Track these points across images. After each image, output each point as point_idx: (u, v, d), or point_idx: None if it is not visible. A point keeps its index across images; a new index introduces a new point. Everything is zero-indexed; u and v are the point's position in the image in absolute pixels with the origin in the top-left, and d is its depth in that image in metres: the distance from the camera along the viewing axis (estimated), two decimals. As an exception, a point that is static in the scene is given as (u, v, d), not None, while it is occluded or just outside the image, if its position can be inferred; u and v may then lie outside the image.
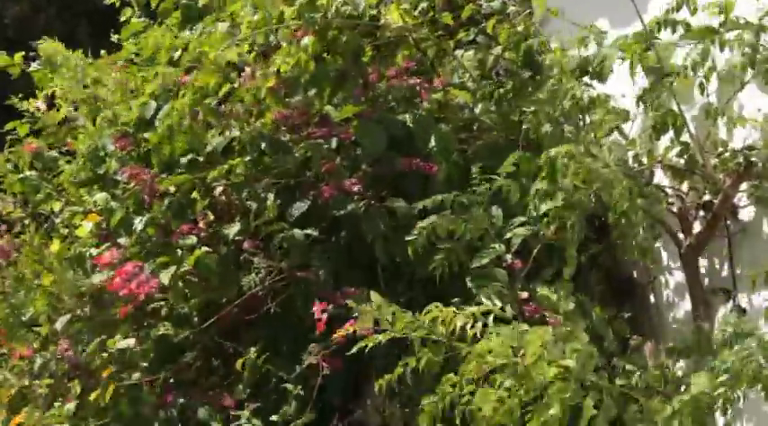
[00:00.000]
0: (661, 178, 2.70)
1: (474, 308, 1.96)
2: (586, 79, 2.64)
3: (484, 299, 2.01)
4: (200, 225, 2.81)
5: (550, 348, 1.83)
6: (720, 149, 2.53)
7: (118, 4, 3.63)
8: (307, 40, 2.68)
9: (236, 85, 2.86)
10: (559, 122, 2.61)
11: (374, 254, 2.57)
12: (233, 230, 2.71)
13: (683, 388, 1.98)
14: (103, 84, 3.10)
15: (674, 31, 2.38)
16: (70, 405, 2.97)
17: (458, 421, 1.93)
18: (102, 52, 3.50)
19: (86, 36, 3.77)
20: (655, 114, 2.46)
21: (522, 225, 2.45)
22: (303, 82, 2.80)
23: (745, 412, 2.34)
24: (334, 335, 2.17)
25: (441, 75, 2.92)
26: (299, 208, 2.64)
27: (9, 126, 3.75)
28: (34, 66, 3.33)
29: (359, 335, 2.06)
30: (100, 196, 3.00)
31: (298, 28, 2.76)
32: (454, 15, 3.06)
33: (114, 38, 3.62)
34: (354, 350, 2.05)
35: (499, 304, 2.02)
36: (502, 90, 2.79)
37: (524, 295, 2.42)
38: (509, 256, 2.46)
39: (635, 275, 2.88)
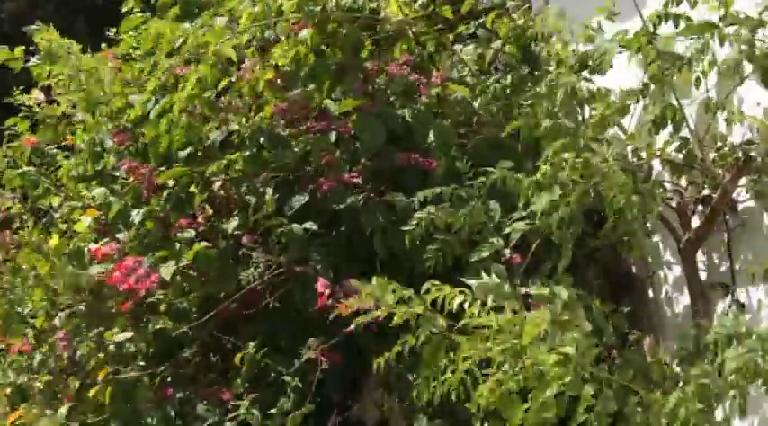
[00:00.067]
0: (660, 173, 2.70)
1: (473, 282, 1.96)
2: (586, 73, 2.64)
3: (484, 276, 2.00)
4: (199, 219, 2.81)
5: (550, 333, 1.83)
6: (719, 144, 2.53)
7: (117, -1, 3.63)
8: (305, 33, 2.68)
9: (233, 79, 2.85)
10: (558, 117, 2.61)
11: (373, 248, 2.57)
12: (232, 224, 2.71)
13: (680, 384, 1.98)
14: (100, 79, 3.09)
15: (676, 25, 2.37)
16: (62, 409, 2.97)
17: (454, 398, 1.93)
18: (103, 46, 3.49)
19: (84, 32, 3.76)
20: (654, 108, 2.46)
21: (521, 219, 2.45)
22: (302, 75, 2.79)
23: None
24: (340, 310, 2.15)
25: (440, 69, 2.91)
26: (299, 200, 2.63)
27: (9, 121, 3.75)
28: (33, 60, 3.31)
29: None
30: (98, 191, 3.00)
31: (297, 21, 2.75)
32: (454, 9, 3.05)
33: (112, 32, 3.61)
34: (353, 326, 2.03)
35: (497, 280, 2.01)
36: (499, 85, 2.78)
37: (524, 290, 2.42)
38: (507, 250, 2.45)
39: (634, 270, 2.88)
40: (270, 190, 2.63)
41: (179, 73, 2.86)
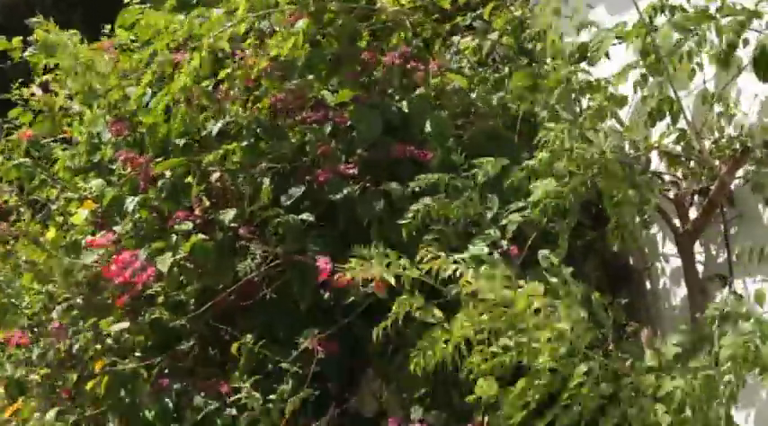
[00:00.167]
0: (657, 164, 2.70)
1: (466, 254, 1.97)
2: (584, 65, 2.64)
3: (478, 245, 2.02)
4: (196, 211, 2.80)
5: (544, 310, 1.84)
6: (717, 135, 2.52)
7: (114, -7, 3.62)
8: (301, 23, 2.67)
9: (230, 71, 2.85)
10: (555, 109, 2.61)
11: (370, 239, 2.57)
12: (228, 216, 2.70)
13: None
14: (97, 70, 3.08)
15: (672, 15, 2.37)
16: (51, 412, 2.97)
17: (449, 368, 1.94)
18: (103, 38, 3.48)
19: (82, 24, 3.75)
20: (651, 100, 2.46)
21: (518, 210, 2.45)
22: (298, 66, 2.79)
23: (741, 399, 2.34)
24: (336, 278, 2.16)
25: (436, 59, 2.91)
26: (295, 192, 2.63)
27: (12, 113, 3.74)
28: (30, 50, 3.31)
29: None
30: (95, 182, 2.99)
31: (293, 12, 2.75)
32: (451, 0, 3.05)
33: (109, 26, 3.61)
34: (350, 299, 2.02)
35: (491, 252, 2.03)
36: (497, 75, 2.78)
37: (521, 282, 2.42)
38: (504, 242, 2.45)
39: (631, 262, 2.88)
40: (267, 181, 2.63)
41: (177, 59, 2.85)
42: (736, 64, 2.38)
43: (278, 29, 2.78)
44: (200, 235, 2.68)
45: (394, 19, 2.84)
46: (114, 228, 2.93)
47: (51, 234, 3.15)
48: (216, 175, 2.79)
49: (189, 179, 2.85)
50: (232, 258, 2.73)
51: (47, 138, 3.56)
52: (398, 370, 2.57)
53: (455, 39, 3.08)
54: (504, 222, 2.44)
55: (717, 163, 2.48)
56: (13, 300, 3.17)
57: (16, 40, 3.36)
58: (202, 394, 2.78)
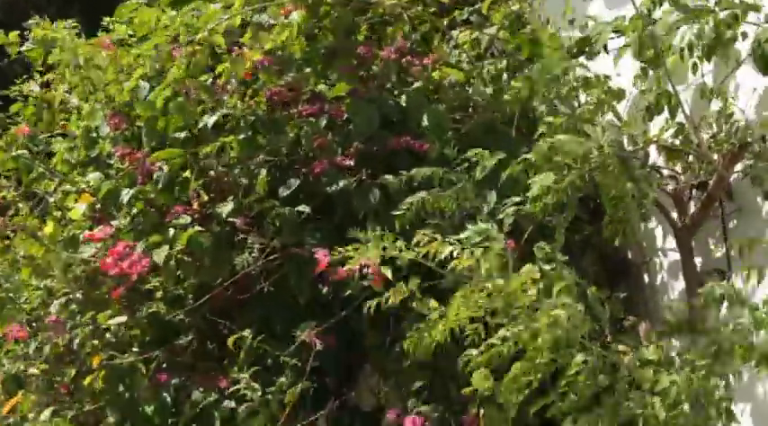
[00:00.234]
0: (656, 158, 2.69)
1: (463, 235, 1.98)
2: (582, 59, 2.63)
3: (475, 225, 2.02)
4: (194, 205, 2.80)
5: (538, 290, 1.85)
6: (715, 129, 2.52)
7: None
8: (296, 15, 2.67)
9: (227, 64, 2.85)
10: (553, 103, 2.61)
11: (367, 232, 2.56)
12: (226, 208, 2.70)
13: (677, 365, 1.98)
14: (96, 65, 3.08)
15: (673, 5, 2.36)
16: (46, 412, 2.98)
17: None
18: (100, 33, 3.48)
19: (79, 20, 3.75)
20: (649, 94, 2.46)
21: (515, 204, 2.45)
22: (294, 58, 2.79)
23: (738, 394, 2.34)
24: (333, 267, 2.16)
25: (434, 52, 2.91)
26: (290, 185, 2.63)
27: (13, 108, 3.74)
28: (27, 45, 3.31)
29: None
30: (93, 175, 2.99)
31: (289, 5, 2.74)
32: (449, -7, 3.05)
33: (106, 20, 3.61)
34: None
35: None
36: (494, 68, 2.78)
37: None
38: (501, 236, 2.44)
39: (630, 256, 2.88)
40: (264, 172, 2.63)
41: (174, 54, 2.85)
42: (735, 57, 2.38)
43: (273, 22, 2.77)
44: (197, 228, 2.68)
45: (391, 12, 2.84)
46: (112, 223, 2.93)
47: (49, 228, 3.15)
48: (214, 170, 2.79)
49: (186, 174, 2.84)
50: (230, 251, 2.73)
51: (45, 134, 3.56)
52: (395, 363, 2.57)
53: (454, 33, 3.07)
54: (500, 216, 2.43)
55: (715, 157, 2.48)
56: (11, 295, 3.17)
57: (13, 35, 3.36)
58: (201, 389, 2.77)
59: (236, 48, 2.87)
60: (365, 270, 2.29)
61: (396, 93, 2.85)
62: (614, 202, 2.26)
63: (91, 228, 3.06)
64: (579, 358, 1.81)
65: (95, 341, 2.93)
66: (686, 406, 1.82)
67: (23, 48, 3.34)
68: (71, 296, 3.04)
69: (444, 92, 2.86)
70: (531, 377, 1.88)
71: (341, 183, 2.61)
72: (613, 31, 2.48)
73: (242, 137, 2.74)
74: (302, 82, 2.80)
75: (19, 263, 3.23)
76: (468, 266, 1.97)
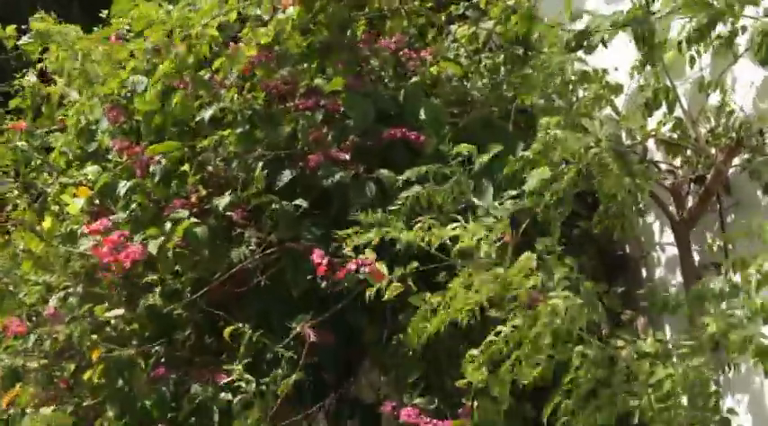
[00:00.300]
0: (654, 152, 2.69)
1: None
2: (580, 53, 2.63)
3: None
4: (193, 199, 2.81)
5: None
6: (713, 123, 2.52)
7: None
8: (291, 10, 2.67)
9: (224, 59, 2.85)
10: (551, 97, 2.61)
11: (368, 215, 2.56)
12: (223, 202, 2.71)
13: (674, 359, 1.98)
14: (93, 59, 3.08)
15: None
16: (46, 410, 2.98)
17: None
18: (95, 29, 3.48)
19: (79, 17, 3.75)
20: (647, 89, 2.46)
21: (512, 198, 2.45)
22: (289, 53, 2.79)
23: (735, 386, 2.34)
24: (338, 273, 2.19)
25: (431, 46, 2.91)
26: (284, 177, 2.64)
27: (13, 103, 3.75)
28: (25, 39, 3.31)
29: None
30: (91, 169, 3.00)
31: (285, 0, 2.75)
32: (447, -12, 3.05)
33: (104, 14, 3.61)
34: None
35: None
36: (492, 62, 2.77)
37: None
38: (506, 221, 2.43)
39: (628, 250, 2.88)
40: (260, 165, 2.63)
41: (170, 48, 2.86)
42: (733, 51, 2.38)
43: (266, 16, 2.78)
44: (192, 219, 2.69)
45: (388, 7, 2.84)
46: (110, 217, 2.94)
47: (47, 223, 3.15)
48: (212, 164, 2.79)
49: (185, 167, 2.85)
50: (227, 245, 2.73)
51: (44, 129, 3.56)
52: (393, 357, 2.57)
53: (452, 27, 3.07)
54: (498, 210, 2.43)
55: (713, 151, 2.48)
56: (11, 288, 3.17)
57: (10, 28, 3.36)
58: (199, 383, 2.78)
59: (231, 43, 2.87)
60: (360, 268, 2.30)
61: (393, 87, 2.85)
62: (610, 197, 2.26)
63: (89, 223, 3.06)
64: (579, 350, 1.81)
65: (95, 336, 2.93)
66: (683, 399, 1.83)
67: (21, 42, 3.34)
68: (70, 290, 3.04)
69: (442, 86, 2.86)
70: (527, 370, 1.88)
71: (337, 177, 2.61)
72: (611, 25, 2.47)
73: (239, 131, 2.75)
74: (298, 76, 2.80)
75: (19, 257, 3.24)
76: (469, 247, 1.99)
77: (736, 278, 2.39)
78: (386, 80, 2.89)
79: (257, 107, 2.77)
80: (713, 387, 1.81)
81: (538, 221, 2.37)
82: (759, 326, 1.74)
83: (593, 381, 1.88)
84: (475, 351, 1.91)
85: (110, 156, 3.13)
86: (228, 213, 2.72)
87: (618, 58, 2.57)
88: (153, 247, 2.61)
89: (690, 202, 2.56)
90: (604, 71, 2.59)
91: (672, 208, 2.58)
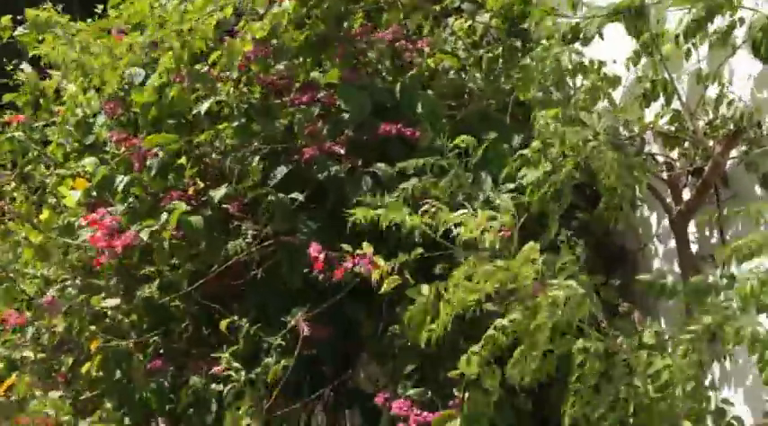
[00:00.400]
0: (651, 145, 2.69)
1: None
2: (577, 45, 2.62)
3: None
4: (190, 192, 2.81)
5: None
6: (711, 115, 2.52)
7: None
8: (287, 3, 2.67)
9: (221, 52, 2.85)
10: (549, 90, 2.60)
11: (359, 220, 2.57)
12: (219, 194, 2.71)
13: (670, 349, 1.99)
14: (93, 52, 3.08)
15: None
16: (54, 394, 2.99)
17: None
18: (89, 21, 3.48)
19: (79, 12, 3.75)
20: (645, 81, 2.46)
21: (510, 192, 2.45)
22: (285, 47, 2.79)
23: (733, 379, 2.34)
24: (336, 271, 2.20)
25: (428, 39, 2.90)
26: (278, 173, 2.64)
27: (6, 97, 3.74)
28: (20, 30, 3.30)
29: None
30: (88, 160, 3.00)
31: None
32: (445, -19, 3.03)
33: (101, 8, 3.61)
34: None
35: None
36: (490, 54, 2.77)
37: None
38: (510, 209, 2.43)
39: (626, 243, 2.88)
40: (256, 159, 2.63)
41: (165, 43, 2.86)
42: (731, 43, 2.37)
43: (262, 10, 2.78)
44: (185, 207, 2.69)
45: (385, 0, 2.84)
46: (108, 210, 2.94)
47: (45, 215, 3.15)
48: (209, 157, 2.79)
49: (182, 160, 2.85)
50: (223, 237, 2.73)
51: (41, 122, 3.56)
52: (389, 348, 2.58)
53: (450, 20, 3.06)
54: (496, 202, 2.43)
55: (711, 143, 2.48)
56: (11, 275, 3.18)
57: (6, 19, 3.35)
58: (196, 374, 2.79)
59: (227, 38, 2.87)
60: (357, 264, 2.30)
61: (389, 79, 2.84)
62: (610, 190, 2.26)
63: (87, 215, 3.06)
64: (579, 344, 1.81)
65: (93, 327, 2.94)
66: (678, 390, 1.83)
67: (17, 33, 3.33)
68: (68, 283, 3.05)
69: (439, 79, 2.85)
70: (528, 365, 1.88)
71: (332, 171, 2.61)
72: (606, 15, 2.47)
73: (235, 124, 2.75)
74: (294, 70, 2.80)
75: (19, 249, 3.24)
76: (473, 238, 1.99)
77: (733, 268, 2.42)
78: (383, 73, 2.88)
79: (253, 101, 2.77)
80: (708, 378, 1.81)
81: (536, 213, 2.37)
82: (754, 316, 1.74)
83: (596, 375, 1.88)
84: (476, 347, 1.90)
85: (107, 148, 3.13)
86: (225, 205, 2.72)
87: (615, 50, 2.56)
88: (145, 234, 2.62)
89: (687, 194, 2.56)
90: (601, 63, 2.59)
91: (669, 201, 2.58)
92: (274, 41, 2.79)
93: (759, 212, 1.98)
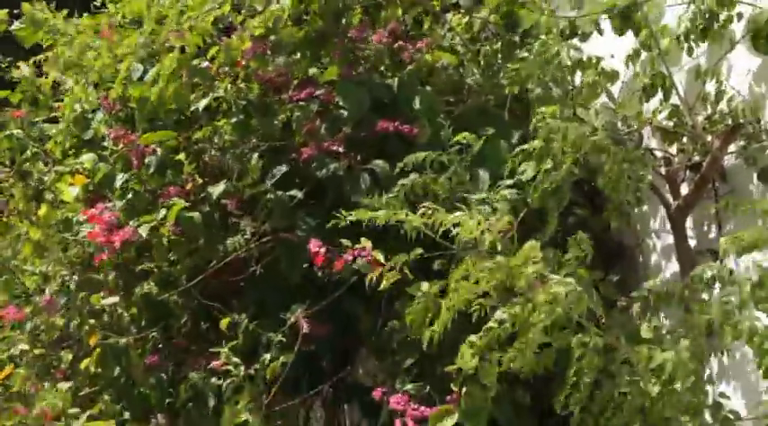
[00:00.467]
0: (649, 140, 2.69)
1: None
2: (576, 41, 2.63)
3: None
4: (188, 187, 2.81)
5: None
6: (710, 110, 2.52)
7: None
8: (285, 0, 2.67)
9: (219, 48, 2.85)
10: (548, 85, 2.60)
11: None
12: (217, 190, 2.71)
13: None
14: (90, 46, 3.08)
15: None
16: (64, 385, 2.99)
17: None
18: (85, 15, 3.48)
19: (78, 8, 3.74)
20: (643, 76, 2.46)
21: (509, 187, 2.45)
22: (283, 43, 2.79)
23: (731, 373, 2.35)
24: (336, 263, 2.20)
25: (427, 35, 2.90)
26: (278, 172, 2.64)
27: (2, 94, 3.73)
28: (17, 24, 3.30)
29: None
30: (87, 156, 3.00)
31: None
32: (442, -24, 3.04)
33: (99, 1, 3.61)
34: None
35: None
36: (488, 49, 2.77)
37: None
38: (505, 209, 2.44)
39: (624, 238, 2.88)
40: (255, 156, 2.63)
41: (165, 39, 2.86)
42: (729, 38, 2.38)
43: (260, 7, 2.77)
44: (183, 203, 2.69)
45: (383, -5, 2.84)
46: (107, 205, 2.94)
47: (43, 211, 3.15)
48: (207, 154, 2.79)
49: (180, 156, 2.85)
50: (221, 233, 2.73)
51: (39, 119, 3.56)
52: (388, 343, 2.58)
53: (448, 16, 3.06)
54: (495, 198, 2.43)
55: (709, 138, 2.48)
56: (12, 266, 3.18)
57: (2, 12, 3.35)
58: (195, 370, 2.79)
59: (224, 37, 2.87)
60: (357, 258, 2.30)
61: (388, 75, 2.84)
62: (613, 183, 2.26)
63: (85, 210, 3.07)
64: (579, 339, 1.81)
65: (92, 321, 2.94)
66: (678, 384, 1.83)
67: (13, 28, 3.32)
68: (66, 277, 3.05)
69: (437, 75, 2.85)
70: (525, 358, 1.88)
71: (330, 168, 2.61)
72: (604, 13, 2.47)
73: (234, 120, 2.74)
74: (292, 67, 2.80)
75: (19, 244, 3.24)
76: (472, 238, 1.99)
77: (731, 264, 2.42)
78: (381, 69, 2.88)
79: (251, 97, 2.77)
80: (707, 372, 1.82)
81: (535, 210, 2.37)
82: (752, 311, 1.74)
83: (595, 371, 1.89)
84: (474, 337, 1.91)
85: (105, 144, 3.13)
86: (223, 202, 2.72)
87: (613, 45, 2.56)
88: (144, 230, 2.62)
89: (685, 189, 2.56)
90: (598, 59, 2.59)
91: (667, 196, 2.58)
92: (272, 38, 2.79)
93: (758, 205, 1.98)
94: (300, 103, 2.74)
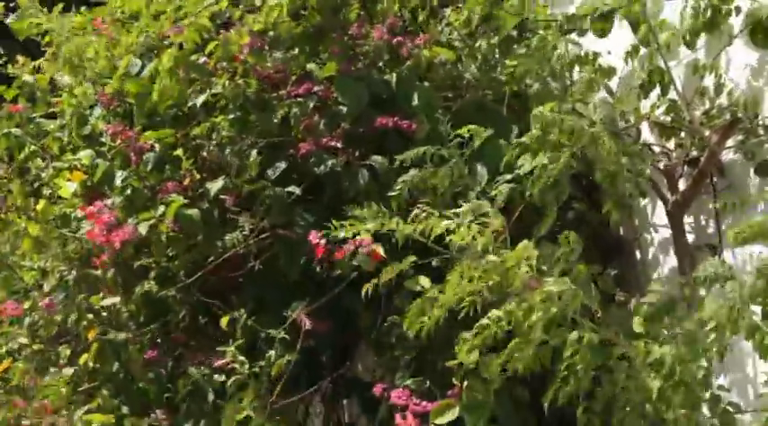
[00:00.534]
0: (647, 135, 2.70)
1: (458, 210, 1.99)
2: (574, 36, 2.63)
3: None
4: (186, 182, 2.81)
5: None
6: (708, 105, 2.52)
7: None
8: (283, -5, 2.67)
9: (217, 43, 2.84)
10: (546, 80, 2.61)
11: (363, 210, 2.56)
12: (215, 186, 2.71)
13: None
14: (88, 41, 3.07)
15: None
16: (68, 370, 2.99)
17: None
18: (83, 9, 3.48)
19: (76, 4, 3.73)
20: (641, 71, 2.46)
21: (508, 182, 2.45)
22: (281, 39, 2.78)
23: (729, 369, 2.36)
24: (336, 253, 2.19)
25: (425, 30, 2.90)
26: (277, 168, 2.64)
27: None
28: (12, 17, 3.29)
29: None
30: (85, 153, 2.99)
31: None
32: (437, -30, 3.03)
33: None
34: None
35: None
36: (486, 44, 2.77)
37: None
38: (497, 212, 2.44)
39: (622, 233, 2.89)
40: (254, 153, 2.63)
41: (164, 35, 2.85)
42: (727, 32, 2.38)
43: (258, 2, 2.77)
44: (182, 200, 2.69)
45: (380, -11, 2.83)
46: (105, 201, 2.94)
47: (41, 206, 3.15)
48: (207, 149, 2.79)
49: (178, 152, 2.84)
50: (220, 230, 2.73)
51: (37, 115, 3.55)
52: (387, 338, 2.58)
53: (446, 11, 3.06)
54: (493, 193, 2.44)
55: (707, 133, 2.48)
56: (11, 262, 3.18)
57: None
58: (193, 365, 2.79)
59: (222, 31, 2.86)
60: (358, 249, 2.30)
61: (386, 71, 2.84)
62: (611, 176, 2.26)
63: (84, 206, 3.06)
64: (574, 336, 1.82)
65: (91, 316, 2.95)
66: (676, 377, 1.84)
67: (9, 20, 3.32)
68: (65, 273, 3.05)
69: (435, 70, 2.85)
70: (522, 355, 1.89)
71: (329, 164, 2.61)
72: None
73: (232, 116, 2.74)
74: (290, 62, 2.79)
75: (18, 240, 3.24)
76: (465, 243, 1.99)
77: (731, 259, 2.43)
78: (379, 64, 2.88)
79: (249, 93, 2.76)
80: (705, 365, 1.82)
81: (533, 204, 2.37)
82: (750, 306, 1.75)
83: (590, 367, 1.89)
84: (467, 334, 1.92)
85: (103, 139, 3.13)
86: (222, 198, 2.72)
87: (611, 41, 2.56)
88: (143, 228, 2.62)
89: (683, 184, 2.57)
90: (596, 54, 2.59)
91: (665, 191, 2.58)
92: (271, 33, 2.79)
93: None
94: (299, 99, 2.73)
